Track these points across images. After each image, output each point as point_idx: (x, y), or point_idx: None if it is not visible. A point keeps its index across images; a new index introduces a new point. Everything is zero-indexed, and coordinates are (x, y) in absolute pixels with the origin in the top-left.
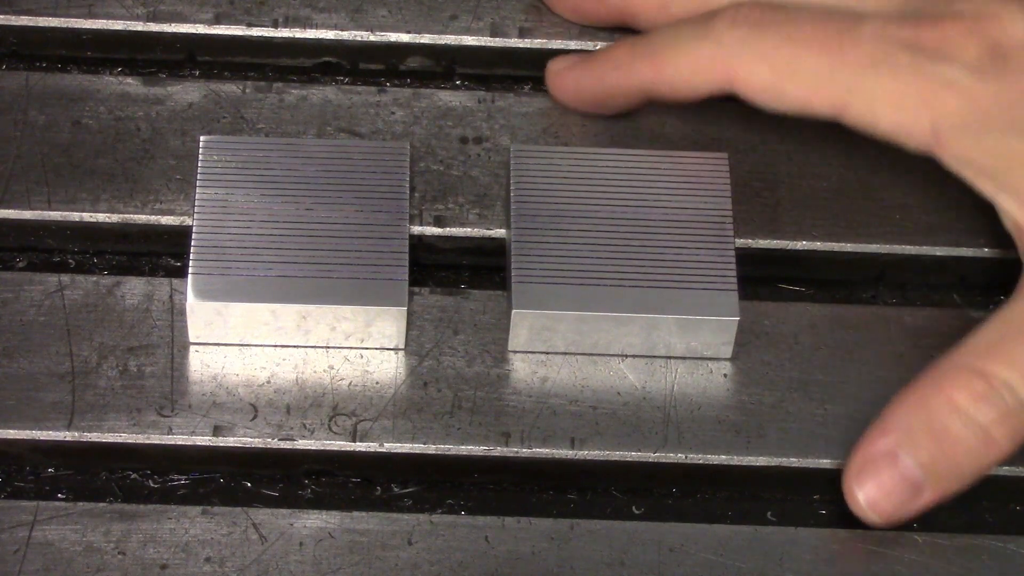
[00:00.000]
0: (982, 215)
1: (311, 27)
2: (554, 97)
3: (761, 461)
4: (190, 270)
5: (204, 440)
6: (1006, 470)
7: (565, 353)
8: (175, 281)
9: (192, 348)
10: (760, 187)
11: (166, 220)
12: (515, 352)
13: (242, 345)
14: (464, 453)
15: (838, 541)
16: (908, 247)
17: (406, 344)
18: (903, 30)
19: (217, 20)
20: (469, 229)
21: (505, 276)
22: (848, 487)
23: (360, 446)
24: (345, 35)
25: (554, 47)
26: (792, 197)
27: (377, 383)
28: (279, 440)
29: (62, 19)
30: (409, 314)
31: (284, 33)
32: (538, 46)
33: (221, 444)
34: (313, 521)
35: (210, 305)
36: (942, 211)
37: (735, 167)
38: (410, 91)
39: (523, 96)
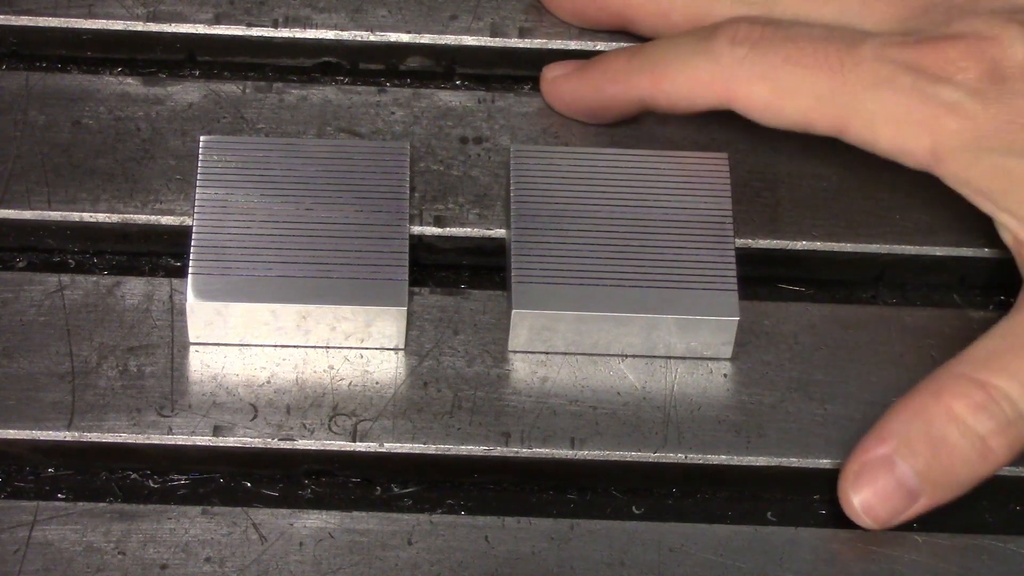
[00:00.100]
0: (982, 215)
1: (311, 27)
2: (549, 105)
3: (761, 461)
4: (190, 270)
5: (204, 440)
6: (1006, 470)
7: (565, 353)
8: (175, 281)
9: (192, 348)
10: (760, 187)
11: (166, 220)
12: (515, 352)
13: (242, 345)
14: (464, 453)
15: (838, 541)
16: (908, 247)
17: (406, 344)
18: (903, 51)
19: (217, 20)
20: (469, 229)
21: (505, 276)
22: (844, 492)
23: (360, 446)
24: (345, 35)
25: (554, 47)
26: (792, 197)
27: (377, 383)
28: (279, 440)
29: (62, 19)
30: (409, 314)
31: (284, 33)
32: (538, 46)
33: (221, 444)
34: (313, 521)
35: (210, 305)
36: (942, 211)
37: (735, 167)
38: (410, 91)
39: (523, 96)
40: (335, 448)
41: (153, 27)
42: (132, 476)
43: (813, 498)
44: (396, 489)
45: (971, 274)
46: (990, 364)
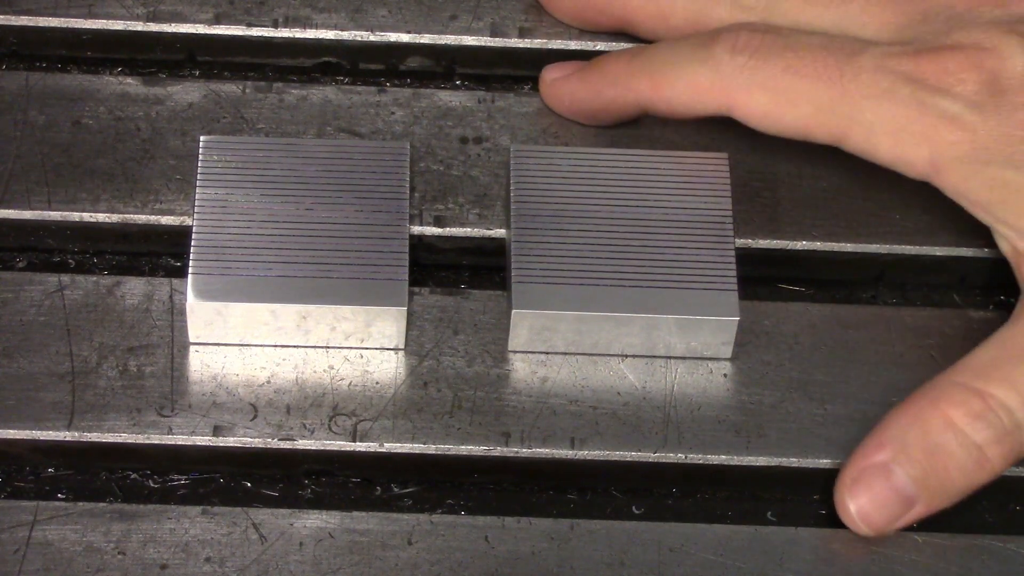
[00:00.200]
0: None
1: (311, 27)
2: (548, 106)
3: (761, 461)
4: (190, 270)
5: (204, 440)
6: (1006, 470)
7: (565, 353)
8: (175, 281)
9: (192, 348)
10: (760, 187)
11: (166, 220)
12: (515, 352)
13: (242, 345)
14: (464, 453)
15: (838, 541)
16: (908, 247)
17: (406, 344)
18: (903, 62)
19: (217, 20)
20: (469, 229)
21: (505, 276)
22: (840, 497)
23: (360, 446)
24: (345, 35)
25: (554, 47)
26: (792, 197)
27: (377, 383)
28: (279, 440)
29: (62, 19)
30: (409, 314)
31: (284, 33)
32: (538, 46)
33: (221, 444)
34: (313, 521)
35: (210, 305)
36: (942, 211)
37: (735, 167)
38: (410, 91)
39: (523, 96)
40: (335, 448)
41: (153, 27)
42: (132, 476)
43: (813, 498)
44: (396, 489)
45: (971, 274)
46: (988, 373)
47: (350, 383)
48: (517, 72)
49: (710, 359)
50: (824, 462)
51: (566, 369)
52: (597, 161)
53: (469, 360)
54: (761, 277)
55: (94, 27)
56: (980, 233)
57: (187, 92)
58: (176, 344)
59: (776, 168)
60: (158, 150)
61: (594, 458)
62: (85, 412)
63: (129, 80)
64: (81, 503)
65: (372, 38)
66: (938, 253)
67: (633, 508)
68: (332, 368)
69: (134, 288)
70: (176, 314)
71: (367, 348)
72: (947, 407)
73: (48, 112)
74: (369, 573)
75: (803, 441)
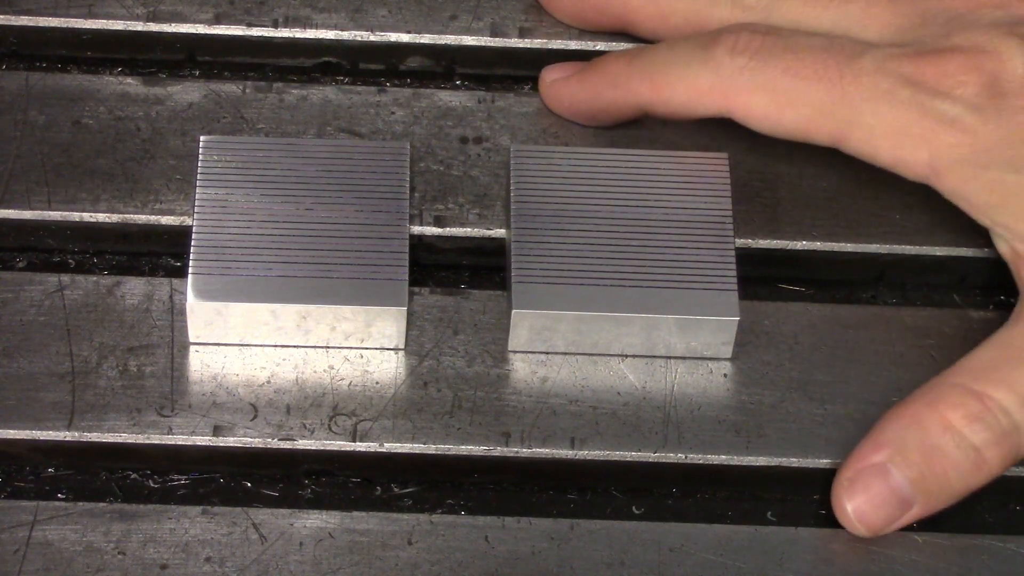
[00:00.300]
0: None
1: (311, 27)
2: (548, 107)
3: (761, 461)
4: (190, 270)
5: (204, 440)
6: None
7: (565, 353)
8: (175, 281)
9: (192, 348)
10: (760, 187)
11: (166, 220)
12: (515, 352)
13: (242, 345)
14: (464, 453)
15: (838, 541)
16: (908, 247)
17: (406, 344)
18: (903, 64)
19: (217, 20)
20: (469, 229)
21: (505, 276)
22: (837, 498)
23: (360, 446)
24: (345, 35)
25: (554, 47)
26: (792, 197)
27: (377, 383)
28: (279, 440)
29: (62, 19)
30: (409, 314)
31: (284, 33)
32: (538, 46)
33: (221, 444)
34: (313, 521)
35: (210, 305)
36: (942, 211)
37: (735, 167)
38: (410, 91)
39: (523, 96)
40: (335, 448)
41: (153, 27)
42: (132, 476)
43: (813, 498)
44: (396, 489)
45: (971, 274)
46: (986, 375)
47: (350, 383)
48: (517, 72)
49: (710, 359)
50: (824, 462)
51: (566, 369)
52: (597, 161)
53: (469, 360)
54: (761, 277)
55: (94, 27)
56: (980, 233)
57: (187, 92)
58: (176, 344)
59: (776, 168)
60: (158, 150)
61: (594, 458)
62: (85, 412)
63: (129, 80)
64: (81, 503)
65: (372, 38)
66: (938, 253)
67: (633, 508)
68: (332, 368)
69: (134, 288)
70: (176, 314)
71: (367, 348)
72: (945, 409)
73: (48, 112)
74: (369, 573)
75: (803, 441)
